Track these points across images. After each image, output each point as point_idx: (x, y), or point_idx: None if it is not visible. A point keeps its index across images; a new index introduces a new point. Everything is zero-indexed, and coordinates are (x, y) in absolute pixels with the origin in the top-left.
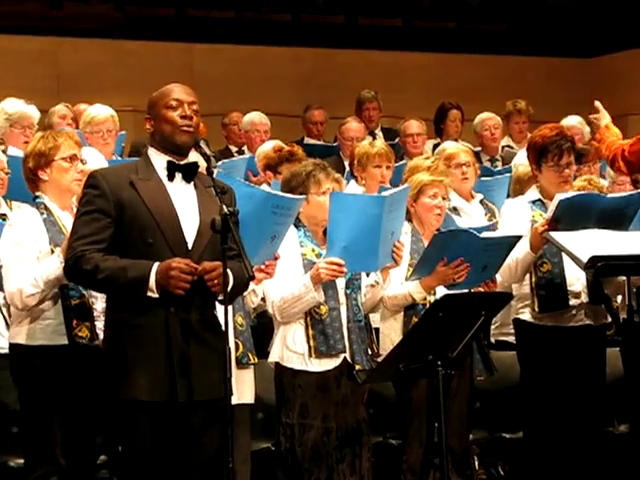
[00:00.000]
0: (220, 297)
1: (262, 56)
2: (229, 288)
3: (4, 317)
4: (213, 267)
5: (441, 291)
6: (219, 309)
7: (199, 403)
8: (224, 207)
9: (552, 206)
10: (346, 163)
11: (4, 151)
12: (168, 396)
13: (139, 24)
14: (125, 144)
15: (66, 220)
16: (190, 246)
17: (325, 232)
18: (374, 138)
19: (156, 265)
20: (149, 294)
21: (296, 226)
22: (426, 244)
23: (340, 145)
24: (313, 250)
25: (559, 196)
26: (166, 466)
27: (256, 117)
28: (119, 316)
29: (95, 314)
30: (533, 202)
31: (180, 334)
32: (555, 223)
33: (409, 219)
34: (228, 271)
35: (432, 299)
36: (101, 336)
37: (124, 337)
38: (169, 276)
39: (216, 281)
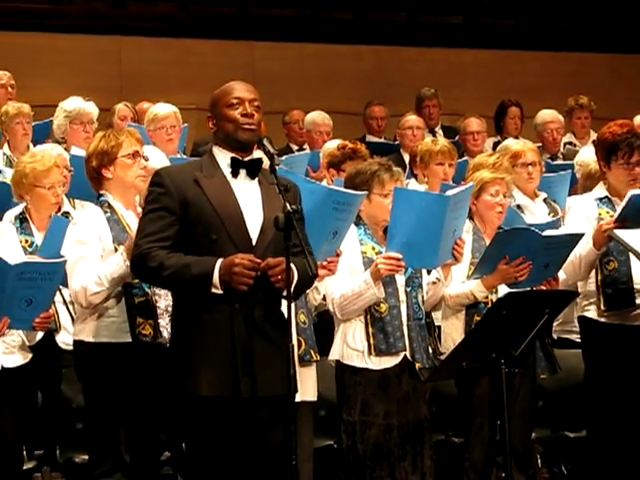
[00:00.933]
0: (285, 293)
1: (323, 54)
2: (293, 284)
3: (70, 313)
4: (277, 263)
5: (503, 289)
6: (284, 306)
7: (263, 399)
8: (287, 205)
9: (623, 202)
10: (406, 159)
11: (66, 149)
12: (232, 391)
13: (201, 22)
14: (187, 140)
15: (130, 219)
16: (254, 242)
17: (385, 231)
18: (434, 136)
19: (219, 262)
20: (213, 290)
21: (356, 224)
22: (487, 242)
23: (400, 138)
24: (373, 248)
25: (632, 192)
26: (229, 461)
27: (319, 117)
28: (185, 313)
29: (158, 312)
30: (600, 199)
31: (244, 330)
32: (623, 221)
33: (470, 217)
34: (292, 267)
35: (494, 297)
36: (164, 334)
37: (190, 334)
38: (232, 272)
39: (280, 277)
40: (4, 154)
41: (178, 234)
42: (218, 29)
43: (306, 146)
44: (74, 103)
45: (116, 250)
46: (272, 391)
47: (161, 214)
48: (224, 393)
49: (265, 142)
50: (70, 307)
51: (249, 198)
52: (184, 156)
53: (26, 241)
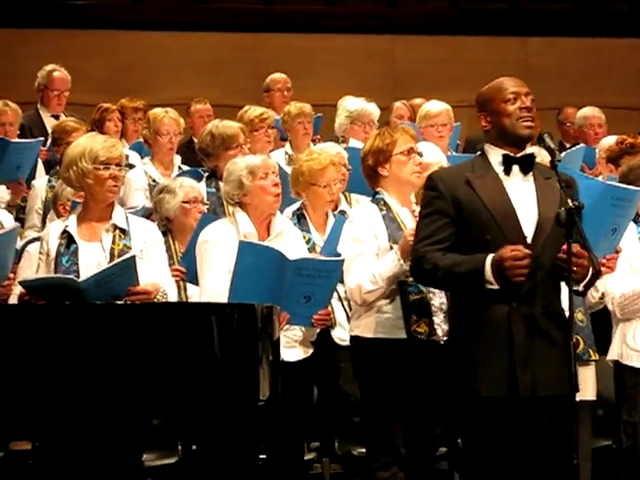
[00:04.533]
0: (575, 287)
1: (598, 48)
2: (587, 279)
3: (345, 309)
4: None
5: None
6: (564, 303)
7: (542, 399)
8: (569, 201)
9: None
10: None
11: (344, 144)
12: (510, 392)
13: (473, 19)
14: (459, 139)
15: (404, 216)
16: (529, 240)
17: None
18: None
19: (490, 257)
20: (488, 287)
21: (635, 221)
22: None
23: None
24: None
25: None
26: (508, 461)
27: (589, 111)
28: (463, 312)
29: (433, 309)
30: None
31: (523, 329)
32: None
33: None
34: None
35: None
36: (438, 331)
37: (469, 333)
38: (505, 267)
39: (576, 268)
40: (286, 153)
41: (454, 235)
42: (490, 25)
43: (581, 143)
44: (356, 103)
45: (391, 248)
46: (551, 390)
47: (435, 217)
48: (502, 394)
49: (546, 137)
50: (345, 303)
51: (523, 195)
52: (455, 154)
53: (303, 237)
